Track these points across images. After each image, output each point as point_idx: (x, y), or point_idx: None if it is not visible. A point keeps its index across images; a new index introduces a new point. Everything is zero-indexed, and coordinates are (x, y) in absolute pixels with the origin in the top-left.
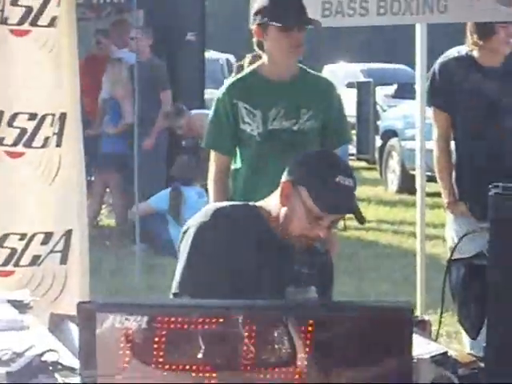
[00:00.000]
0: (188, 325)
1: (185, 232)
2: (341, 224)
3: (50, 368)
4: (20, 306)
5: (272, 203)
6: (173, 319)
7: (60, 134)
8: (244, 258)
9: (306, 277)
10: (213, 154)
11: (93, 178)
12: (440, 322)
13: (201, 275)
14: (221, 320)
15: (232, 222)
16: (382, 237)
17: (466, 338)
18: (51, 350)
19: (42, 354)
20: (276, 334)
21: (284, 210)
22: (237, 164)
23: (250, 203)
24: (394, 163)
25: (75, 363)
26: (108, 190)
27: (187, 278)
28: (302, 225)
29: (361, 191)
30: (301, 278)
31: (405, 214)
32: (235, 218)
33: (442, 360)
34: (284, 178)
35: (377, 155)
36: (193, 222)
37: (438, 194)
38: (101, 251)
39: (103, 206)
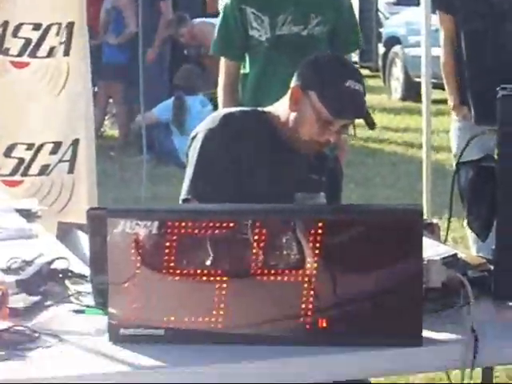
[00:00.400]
0: (198, 230)
1: (193, 138)
2: (350, 131)
3: (60, 275)
4: (28, 215)
5: (281, 108)
6: (183, 224)
7: (68, 43)
8: (252, 164)
9: (315, 183)
10: (222, 61)
11: (96, 89)
12: (448, 226)
13: (210, 181)
14: (231, 224)
15: (241, 128)
16: (386, 144)
17: (472, 243)
18: (61, 258)
19: (51, 262)
20: (285, 239)
21: (293, 115)
22: (246, 69)
23: (259, 109)
24: (397, 71)
25: (85, 271)
26: (111, 100)
27: (196, 183)
28: (311, 130)
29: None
30: (310, 184)
31: (409, 121)
32: (244, 123)
33: (452, 262)
34: (293, 82)
35: (380, 63)
36: (202, 128)
37: (442, 101)
38: (105, 162)
39: (106, 117)
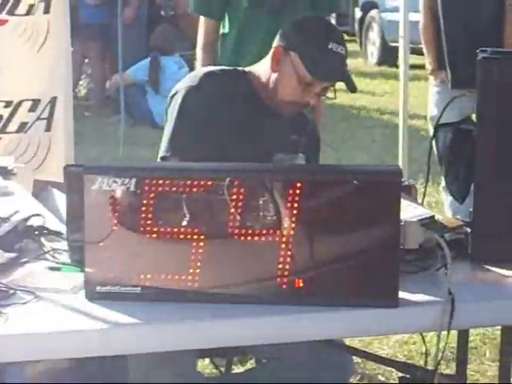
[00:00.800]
0: (176, 188)
1: (172, 96)
2: (330, 94)
3: (36, 233)
4: (4, 173)
5: (262, 68)
6: (160, 182)
7: (48, 1)
8: (232, 122)
9: (294, 143)
10: (201, 20)
11: (71, 49)
12: (425, 189)
13: (189, 138)
14: (208, 183)
15: (220, 87)
16: (362, 108)
17: (448, 207)
18: (36, 215)
19: (27, 219)
20: (262, 199)
21: (274, 75)
22: (225, 29)
23: (240, 68)
24: (373, 35)
25: (61, 228)
26: (87, 60)
27: (176, 140)
28: (292, 91)
29: None
30: (289, 144)
31: (385, 85)
32: (224, 81)
33: (429, 224)
34: (275, 42)
35: (356, 27)
36: (182, 86)
37: (418, 67)
38: (80, 123)
39: (82, 77)
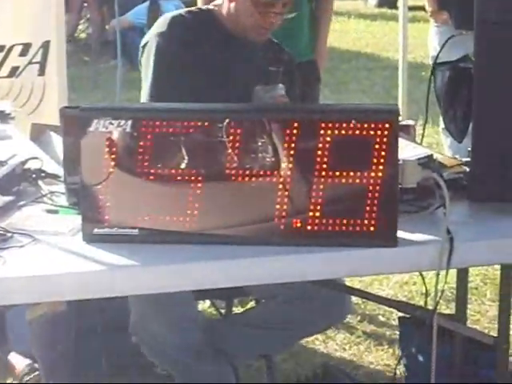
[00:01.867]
0: (173, 129)
1: (145, 46)
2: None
3: (33, 176)
4: (2, 117)
5: (221, 3)
6: (157, 123)
7: None
8: (207, 61)
9: (273, 74)
10: None
11: None
12: (424, 127)
13: (168, 85)
14: (206, 124)
15: (189, 28)
16: (362, 50)
17: (447, 148)
18: (34, 158)
19: (24, 162)
20: (260, 140)
21: (232, 5)
22: None
23: (203, 7)
24: None
25: (58, 171)
26: (86, 4)
27: (157, 87)
28: (252, 16)
29: (341, 5)
30: (268, 76)
31: (385, 27)
32: (192, 23)
33: (427, 163)
34: None
35: None
36: (152, 34)
37: (417, 8)
38: (79, 67)
39: (81, 21)
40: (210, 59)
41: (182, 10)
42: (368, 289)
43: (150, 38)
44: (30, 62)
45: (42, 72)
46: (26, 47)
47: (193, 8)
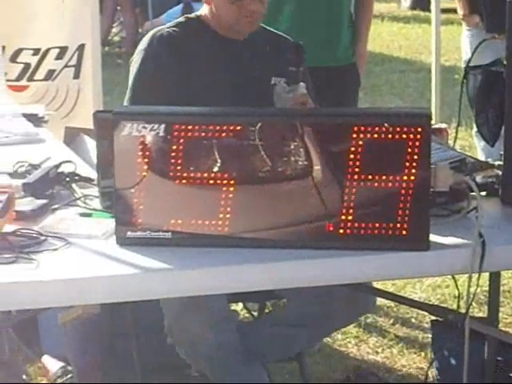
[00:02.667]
0: (206, 133)
1: (131, 62)
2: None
3: (67, 179)
4: (35, 120)
5: (203, 9)
6: (190, 127)
7: None
8: (212, 72)
9: (293, 74)
10: None
11: None
12: (457, 130)
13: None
14: (238, 128)
15: (174, 42)
16: (395, 53)
17: (480, 152)
18: (68, 161)
19: (58, 166)
20: (293, 144)
21: (212, 7)
22: None
23: (191, 15)
24: None
25: (92, 174)
26: (119, 7)
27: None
28: (230, 10)
29: (374, 8)
30: (289, 76)
31: (418, 30)
32: (180, 36)
33: (460, 167)
34: None
35: None
36: (136, 52)
37: (451, 10)
38: (112, 70)
39: (114, 25)
40: (202, 63)
41: (169, 24)
42: (401, 292)
43: (135, 55)
44: (66, 66)
45: (77, 75)
46: (62, 50)
47: (180, 18)
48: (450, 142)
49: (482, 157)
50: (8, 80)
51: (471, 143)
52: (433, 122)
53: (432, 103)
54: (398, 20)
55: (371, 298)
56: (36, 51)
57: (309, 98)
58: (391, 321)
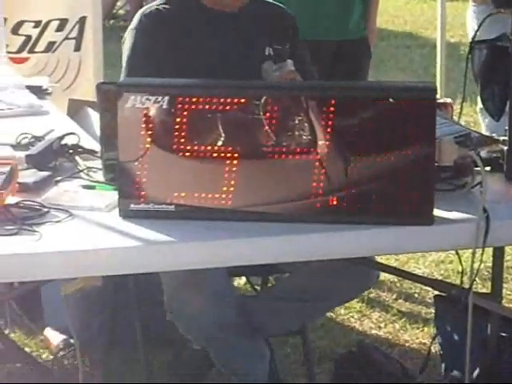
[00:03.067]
0: (210, 106)
1: (123, 43)
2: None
3: (70, 151)
4: (39, 92)
5: None
6: (194, 99)
7: None
8: (201, 46)
9: (279, 52)
10: None
11: None
12: (462, 105)
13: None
14: (242, 101)
15: (168, 16)
16: (401, 28)
17: (485, 128)
18: (71, 133)
19: (61, 138)
20: (297, 118)
21: None
22: None
23: None
24: None
25: (95, 147)
26: None
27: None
28: None
29: None
30: (275, 54)
31: (423, 5)
32: (168, 11)
33: (464, 141)
34: None
35: None
36: (126, 32)
37: None
38: (116, 43)
39: None
40: (191, 37)
41: (158, 1)
42: (404, 267)
43: (126, 34)
44: (67, 38)
45: (77, 47)
46: (63, 23)
47: None
48: (455, 118)
49: (486, 133)
50: (9, 52)
51: (476, 119)
52: (438, 96)
53: (437, 79)
54: None
55: (374, 273)
56: (37, 23)
57: (297, 74)
58: (394, 296)
